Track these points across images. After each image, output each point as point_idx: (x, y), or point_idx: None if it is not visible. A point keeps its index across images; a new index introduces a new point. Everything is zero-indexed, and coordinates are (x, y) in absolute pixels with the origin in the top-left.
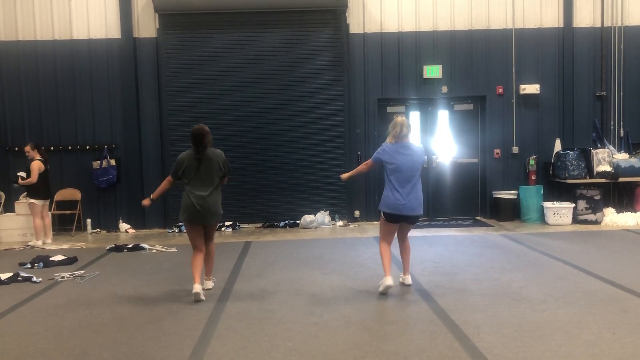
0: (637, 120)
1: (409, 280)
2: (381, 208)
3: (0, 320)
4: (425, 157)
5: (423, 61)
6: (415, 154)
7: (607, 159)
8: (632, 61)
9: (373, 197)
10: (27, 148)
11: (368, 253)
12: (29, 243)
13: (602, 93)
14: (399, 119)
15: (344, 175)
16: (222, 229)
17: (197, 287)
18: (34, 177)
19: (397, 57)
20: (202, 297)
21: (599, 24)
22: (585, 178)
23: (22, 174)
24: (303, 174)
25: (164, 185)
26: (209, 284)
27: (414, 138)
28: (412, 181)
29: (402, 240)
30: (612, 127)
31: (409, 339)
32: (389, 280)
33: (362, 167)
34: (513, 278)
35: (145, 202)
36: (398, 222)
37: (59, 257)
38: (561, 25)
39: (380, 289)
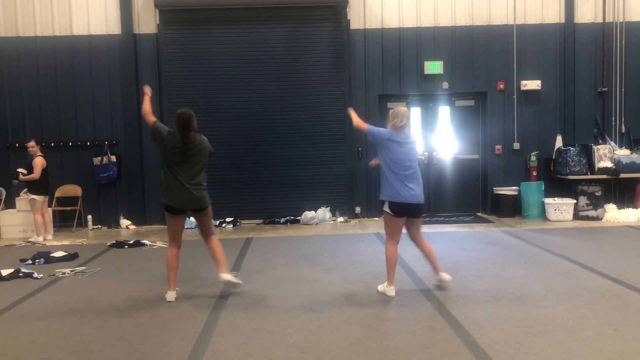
0: (639, 116)
1: (446, 276)
2: (385, 198)
3: (2, 317)
4: (426, 153)
5: (424, 57)
6: (414, 143)
7: (608, 155)
8: (634, 57)
9: (373, 193)
10: (32, 143)
11: (369, 249)
12: (30, 239)
13: (603, 89)
14: (402, 109)
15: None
16: (223, 225)
17: (170, 296)
18: (37, 173)
19: (398, 53)
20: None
21: (600, 20)
22: (586, 174)
23: (21, 170)
24: (304, 170)
25: (148, 110)
26: (227, 277)
27: (414, 134)
28: (413, 169)
29: (419, 241)
30: (613, 123)
31: (410, 335)
32: (391, 292)
33: (360, 122)
34: (514, 274)
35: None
36: (404, 214)
37: (60, 253)
38: (562, 20)
39: (379, 289)
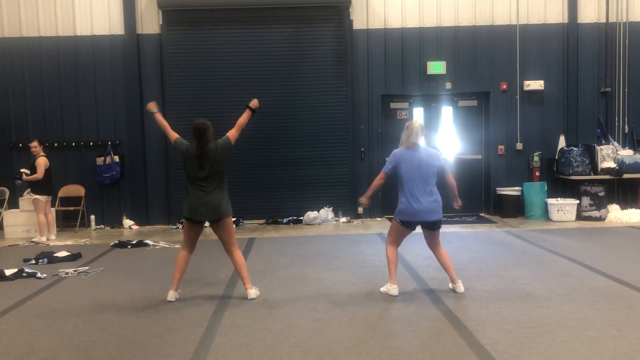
0: None
1: (460, 288)
2: (396, 217)
3: (6, 316)
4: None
5: (427, 57)
6: (425, 160)
7: (611, 155)
8: (637, 57)
9: (376, 193)
10: (35, 143)
11: (372, 249)
12: (33, 239)
13: (606, 89)
14: (415, 123)
15: (363, 200)
16: None
17: (171, 295)
18: (40, 173)
19: (401, 53)
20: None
21: (603, 20)
22: (589, 174)
23: (25, 170)
24: (306, 170)
25: (166, 125)
26: (251, 293)
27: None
28: (426, 187)
29: (436, 250)
30: (616, 123)
31: (413, 335)
32: (394, 291)
33: (377, 182)
34: (517, 274)
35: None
36: (413, 227)
37: (63, 253)
38: (566, 21)
39: (382, 290)
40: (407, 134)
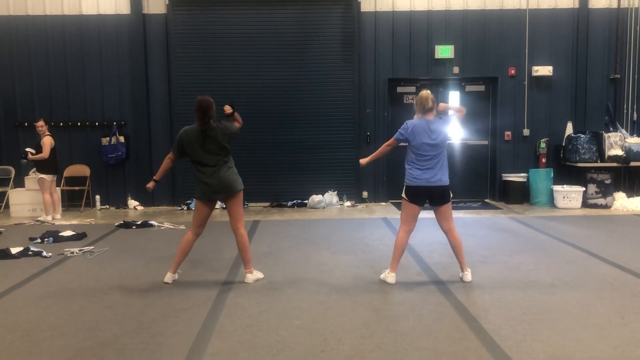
0: None
1: (468, 277)
2: (404, 191)
3: (12, 294)
4: None
5: (435, 41)
6: (440, 131)
7: (619, 142)
8: None
9: (381, 178)
10: (41, 123)
11: (376, 234)
12: (39, 218)
13: (616, 76)
14: (425, 92)
15: (363, 161)
16: None
17: (168, 277)
18: (45, 152)
19: (409, 37)
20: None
21: (615, 5)
22: (596, 162)
23: (30, 149)
24: (311, 154)
25: (165, 163)
26: (249, 277)
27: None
28: (436, 158)
29: (448, 230)
30: (625, 111)
31: (416, 319)
32: (391, 279)
33: (384, 148)
34: (521, 261)
35: (149, 185)
36: (421, 201)
37: (68, 233)
38: (576, 5)
39: (381, 277)
40: (420, 103)
